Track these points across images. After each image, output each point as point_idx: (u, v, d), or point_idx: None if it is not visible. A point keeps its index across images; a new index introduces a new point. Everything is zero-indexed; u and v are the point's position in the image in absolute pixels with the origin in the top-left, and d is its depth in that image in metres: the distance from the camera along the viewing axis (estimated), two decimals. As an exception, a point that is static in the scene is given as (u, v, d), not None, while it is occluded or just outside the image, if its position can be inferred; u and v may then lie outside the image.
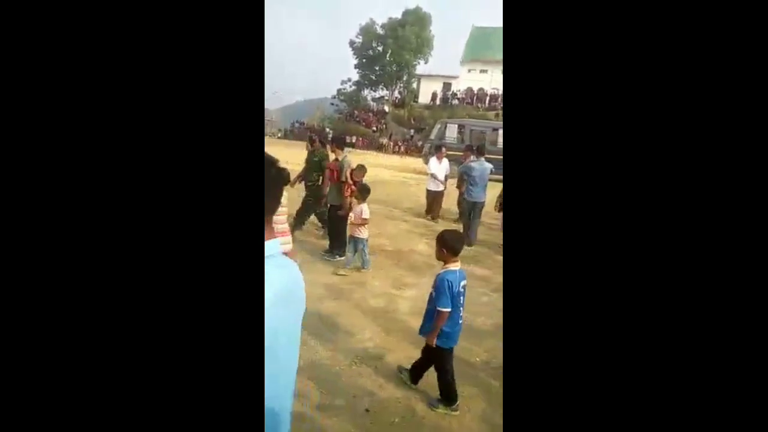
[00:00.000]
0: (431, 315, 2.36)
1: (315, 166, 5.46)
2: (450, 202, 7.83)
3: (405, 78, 33.68)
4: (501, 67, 27.82)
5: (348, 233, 4.68)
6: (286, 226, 3.55)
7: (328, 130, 28.96)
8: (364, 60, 34.11)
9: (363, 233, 4.48)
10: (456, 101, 29.96)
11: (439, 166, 7.64)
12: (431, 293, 2.39)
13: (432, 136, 17.66)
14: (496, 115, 24.77)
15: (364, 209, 4.49)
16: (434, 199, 7.69)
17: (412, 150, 24.86)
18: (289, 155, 6.76)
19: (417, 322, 2.57)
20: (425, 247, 5.67)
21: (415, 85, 33.85)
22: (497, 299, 4.04)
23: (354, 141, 26.80)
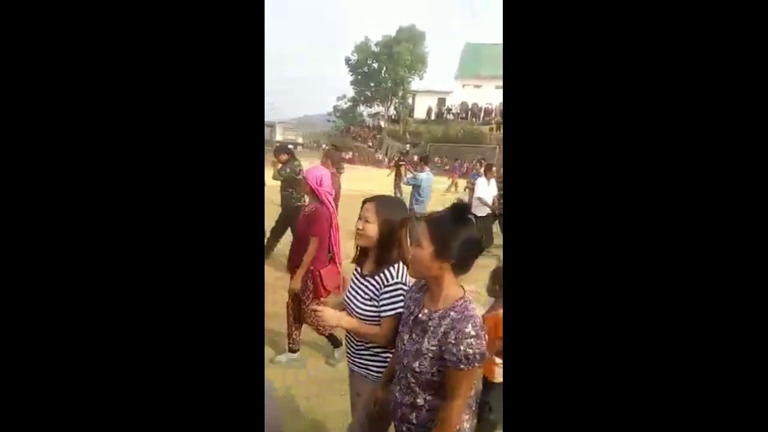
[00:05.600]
0: None
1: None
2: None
3: (400, 94, 34.09)
4: (494, 83, 28.23)
5: None
6: None
7: (324, 145, 29.22)
8: (359, 77, 34.57)
9: None
10: (451, 116, 30.36)
11: (488, 188, 6.36)
12: None
13: None
14: (491, 129, 25.06)
15: None
16: (483, 226, 6.38)
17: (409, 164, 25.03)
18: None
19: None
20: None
21: (410, 101, 34.26)
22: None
23: (351, 156, 27.09)
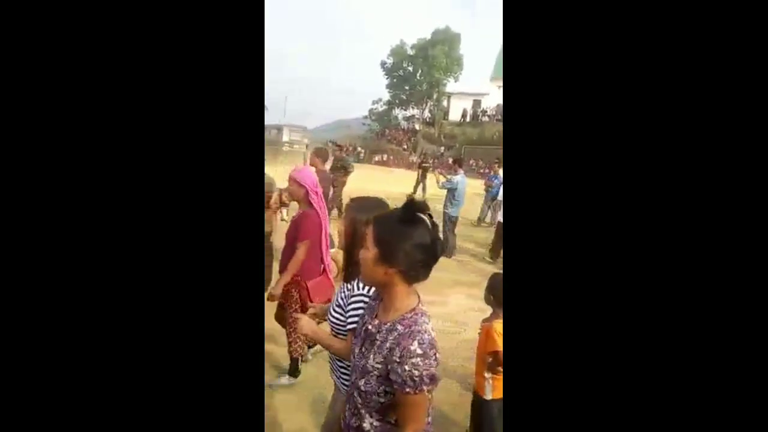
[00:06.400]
0: None
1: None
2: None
3: (435, 96, 33.92)
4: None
5: None
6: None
7: (359, 149, 29.58)
8: (394, 80, 34.68)
9: None
10: (486, 118, 29.97)
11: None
12: None
13: None
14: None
15: None
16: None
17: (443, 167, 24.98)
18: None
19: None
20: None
21: (445, 103, 34.04)
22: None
23: (385, 159, 27.32)
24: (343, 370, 1.46)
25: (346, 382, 1.40)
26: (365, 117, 36.39)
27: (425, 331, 1.05)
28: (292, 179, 2.56)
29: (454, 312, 3.94)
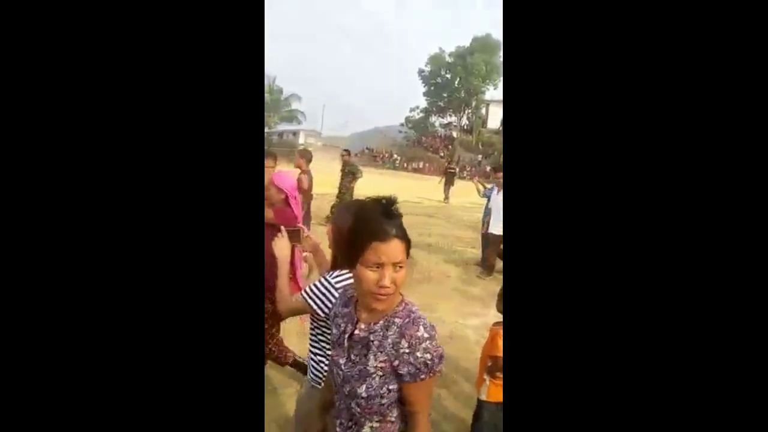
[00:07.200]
0: None
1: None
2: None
3: (473, 104, 33.66)
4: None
5: None
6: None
7: (395, 156, 29.70)
8: (432, 87, 34.66)
9: None
10: (526, 126, 29.45)
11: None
12: None
13: None
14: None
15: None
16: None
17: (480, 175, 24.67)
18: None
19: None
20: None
21: (483, 111, 33.70)
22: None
23: (422, 166, 27.26)
24: (310, 353, 1.54)
25: (317, 371, 1.49)
26: (401, 124, 36.50)
27: (422, 317, 1.06)
28: (272, 184, 2.39)
29: (489, 324, 3.77)
